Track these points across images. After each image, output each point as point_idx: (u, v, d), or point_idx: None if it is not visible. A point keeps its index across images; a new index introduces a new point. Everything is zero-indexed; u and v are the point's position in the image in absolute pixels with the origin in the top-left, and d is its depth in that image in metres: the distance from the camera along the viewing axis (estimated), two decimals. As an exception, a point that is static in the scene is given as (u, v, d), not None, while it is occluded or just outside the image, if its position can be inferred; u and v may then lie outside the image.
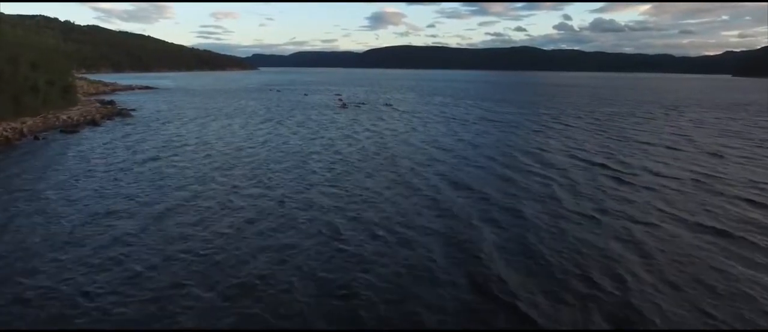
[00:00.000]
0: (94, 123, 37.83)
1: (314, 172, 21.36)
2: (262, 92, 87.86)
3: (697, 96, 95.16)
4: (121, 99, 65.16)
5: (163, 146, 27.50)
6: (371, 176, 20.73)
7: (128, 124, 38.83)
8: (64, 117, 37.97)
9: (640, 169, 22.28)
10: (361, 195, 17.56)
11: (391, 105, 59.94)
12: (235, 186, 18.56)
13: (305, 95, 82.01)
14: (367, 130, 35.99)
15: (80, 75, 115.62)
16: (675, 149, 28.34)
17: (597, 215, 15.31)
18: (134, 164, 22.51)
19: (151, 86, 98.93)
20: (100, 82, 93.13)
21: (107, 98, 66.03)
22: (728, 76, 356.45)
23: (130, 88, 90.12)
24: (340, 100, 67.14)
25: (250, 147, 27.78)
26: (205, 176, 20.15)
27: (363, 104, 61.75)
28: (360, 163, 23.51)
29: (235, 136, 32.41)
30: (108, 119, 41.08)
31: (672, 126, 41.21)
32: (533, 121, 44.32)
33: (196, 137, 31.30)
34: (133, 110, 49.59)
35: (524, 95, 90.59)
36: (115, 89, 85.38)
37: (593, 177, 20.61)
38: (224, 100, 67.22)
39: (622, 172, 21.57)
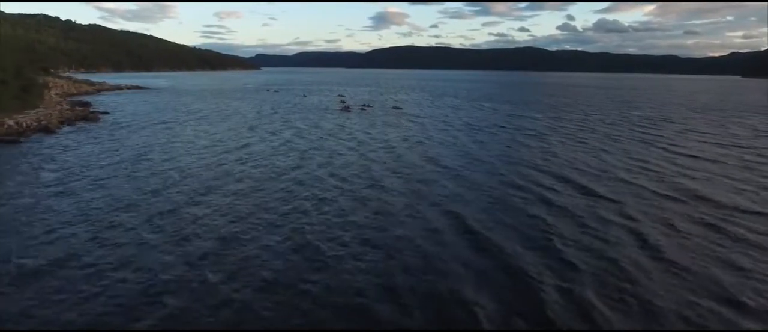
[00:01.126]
0: (47, 130, 32.42)
1: (278, 207, 15.74)
2: (258, 93, 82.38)
3: (723, 97, 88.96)
4: (101, 100, 60.10)
5: (105, 162, 22.14)
6: (355, 230, 15.05)
7: (88, 130, 33.42)
8: (11, 123, 32.48)
9: (730, 205, 16.36)
10: (328, 255, 11.92)
11: (400, 108, 53.90)
12: (137, 231, 13.05)
13: (304, 95, 76.48)
14: (373, 147, 30.28)
15: (67, 74, 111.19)
16: (753, 169, 22.35)
17: (722, 310, 9.57)
18: (54, 186, 17.07)
19: (142, 85, 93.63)
20: (86, 81, 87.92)
21: (87, 98, 61.07)
22: (737, 77, 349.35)
23: (118, 88, 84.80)
24: (343, 102, 61.44)
25: (209, 164, 22.16)
26: (124, 210, 14.66)
27: (368, 105, 55.86)
28: (340, 197, 17.86)
29: (195, 148, 26.84)
30: (68, 125, 35.68)
31: (726, 135, 35.26)
32: (556, 128, 38.34)
33: (150, 150, 25.89)
34: (106, 112, 44.42)
35: (535, 96, 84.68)
36: (101, 89, 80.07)
37: (672, 222, 14.60)
38: (213, 101, 61.78)
39: (711, 212, 15.63)
